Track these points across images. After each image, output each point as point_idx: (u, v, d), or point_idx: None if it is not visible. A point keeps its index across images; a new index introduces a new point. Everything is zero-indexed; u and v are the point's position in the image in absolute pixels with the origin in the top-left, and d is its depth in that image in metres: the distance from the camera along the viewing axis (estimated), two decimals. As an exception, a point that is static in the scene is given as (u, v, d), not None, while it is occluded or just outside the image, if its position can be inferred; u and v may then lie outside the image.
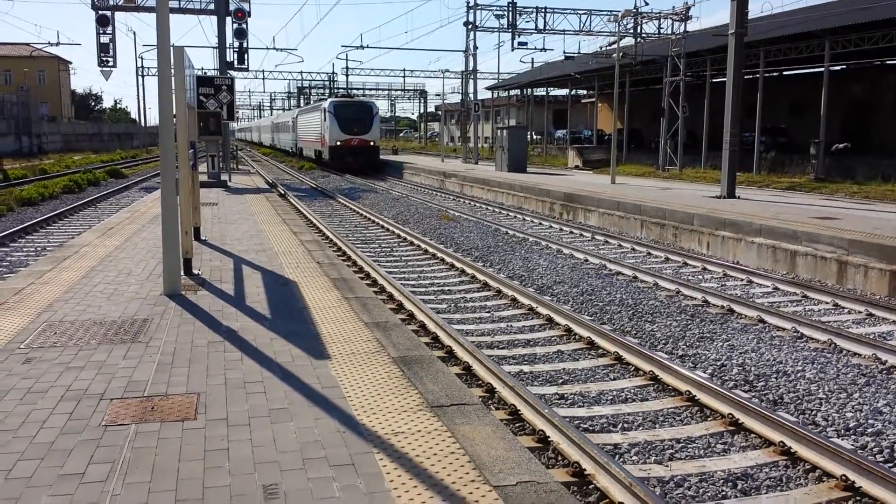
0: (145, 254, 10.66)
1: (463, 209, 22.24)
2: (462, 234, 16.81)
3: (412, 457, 4.03)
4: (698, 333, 8.73)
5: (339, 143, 40.55)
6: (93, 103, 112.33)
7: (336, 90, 75.70)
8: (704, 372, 7.38)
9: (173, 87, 8.30)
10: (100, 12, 30.87)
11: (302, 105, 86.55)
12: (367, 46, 59.65)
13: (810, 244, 12.64)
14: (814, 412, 6.38)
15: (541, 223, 19.76)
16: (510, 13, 34.83)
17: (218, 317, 7.09)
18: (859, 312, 9.94)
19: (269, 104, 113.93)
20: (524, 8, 34.68)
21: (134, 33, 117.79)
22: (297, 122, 55.44)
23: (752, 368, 7.46)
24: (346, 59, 78.49)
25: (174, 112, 8.39)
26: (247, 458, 4.00)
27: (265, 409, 4.72)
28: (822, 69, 29.01)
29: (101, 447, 4.14)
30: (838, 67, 36.78)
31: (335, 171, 41.29)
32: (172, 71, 8.24)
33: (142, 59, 78.47)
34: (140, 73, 68.95)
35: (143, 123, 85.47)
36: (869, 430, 5.94)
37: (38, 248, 14.78)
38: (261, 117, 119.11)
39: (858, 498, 4.92)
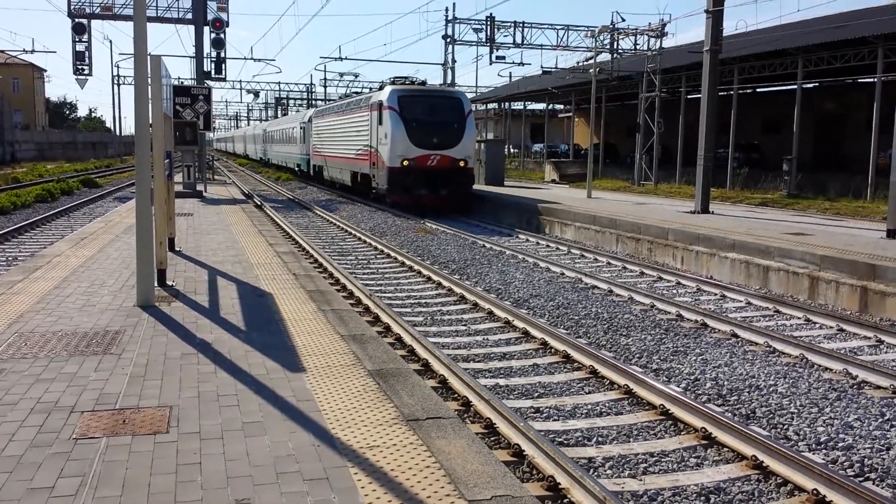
0: (119, 264, 10.56)
1: (440, 221, 22.23)
2: (439, 246, 16.82)
3: (387, 471, 4.02)
4: (672, 347, 8.79)
5: (407, 161, 23.75)
6: (67, 112, 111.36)
7: (314, 101, 75.26)
8: (678, 386, 7.43)
9: (150, 96, 8.25)
10: (76, 20, 30.68)
11: (316, 106, 76.13)
12: (346, 58, 59.84)
13: (783, 260, 12.79)
14: (786, 426, 6.44)
15: (517, 236, 19.82)
16: (488, 27, 35.02)
17: (192, 329, 7.03)
18: (830, 328, 10.06)
19: (245, 114, 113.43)
20: (502, 22, 34.89)
21: (110, 41, 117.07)
22: (314, 128, 37.68)
23: (725, 383, 7.52)
24: (325, 71, 78.39)
25: (150, 121, 8.34)
26: (219, 472, 3.97)
27: (239, 422, 4.69)
28: (794, 86, 29.46)
29: (72, 460, 4.09)
30: (811, 85, 37.37)
31: (400, 209, 24.55)
32: (149, 80, 8.20)
33: (118, 67, 77.93)
34: (116, 81, 68.42)
35: (118, 132, 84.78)
36: (840, 445, 6.01)
37: (10, 258, 14.58)
38: (241, 125, 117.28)
39: (829, 512, 4.95)
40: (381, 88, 26.68)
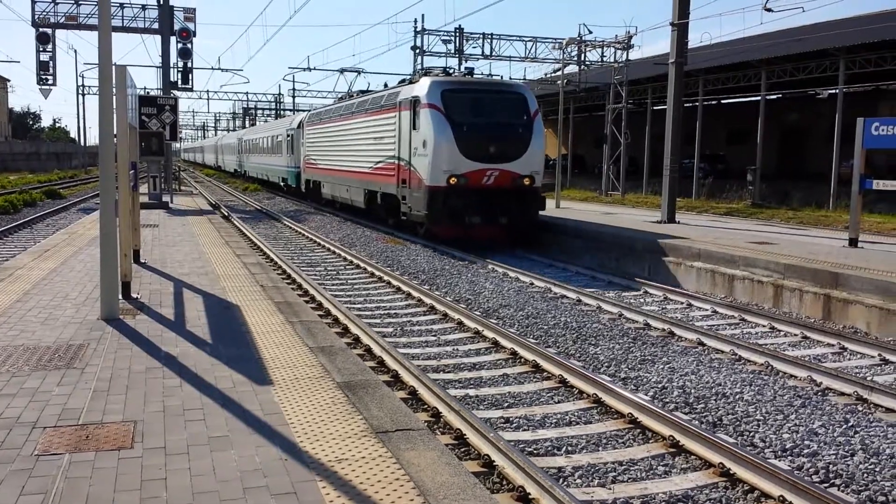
0: (82, 277, 10.40)
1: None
2: (408, 257, 16.79)
3: (356, 484, 3.99)
4: (640, 356, 8.85)
5: (455, 179, 17.83)
6: (31, 122, 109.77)
7: (282, 112, 74.83)
8: (646, 394, 7.48)
9: (115, 107, 8.16)
10: (40, 30, 30.31)
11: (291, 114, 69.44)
12: (314, 68, 59.59)
13: (748, 268, 12.95)
14: (752, 434, 6.51)
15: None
16: (457, 38, 35.14)
17: (157, 342, 6.94)
18: (795, 335, 10.20)
19: (213, 124, 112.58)
20: (471, 34, 35.04)
21: (75, 51, 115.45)
22: (308, 136, 31.39)
23: (693, 391, 7.58)
24: (293, 81, 78.05)
25: (115, 132, 8.24)
26: (185, 488, 3.91)
27: (205, 436, 4.63)
28: (758, 98, 29.95)
29: (34, 477, 4.00)
30: (774, 96, 38.04)
31: (439, 242, 18.66)
32: (114, 90, 8.11)
33: (83, 77, 77.23)
34: (81, 91, 67.59)
35: (82, 143, 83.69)
36: (805, 451, 6.08)
37: (-30, 271, 14.28)
38: (208, 135, 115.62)
39: (795, 518, 5.00)
40: (410, 81, 20.30)
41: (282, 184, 38.59)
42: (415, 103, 18.70)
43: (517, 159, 18.11)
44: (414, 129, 18.65)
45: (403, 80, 22.73)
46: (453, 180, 17.68)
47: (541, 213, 19.13)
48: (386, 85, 25.09)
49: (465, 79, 19.90)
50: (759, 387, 7.70)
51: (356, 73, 36.53)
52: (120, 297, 8.38)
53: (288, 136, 36.18)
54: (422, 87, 18.60)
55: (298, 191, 34.21)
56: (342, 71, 35.13)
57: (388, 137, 20.48)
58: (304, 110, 69.37)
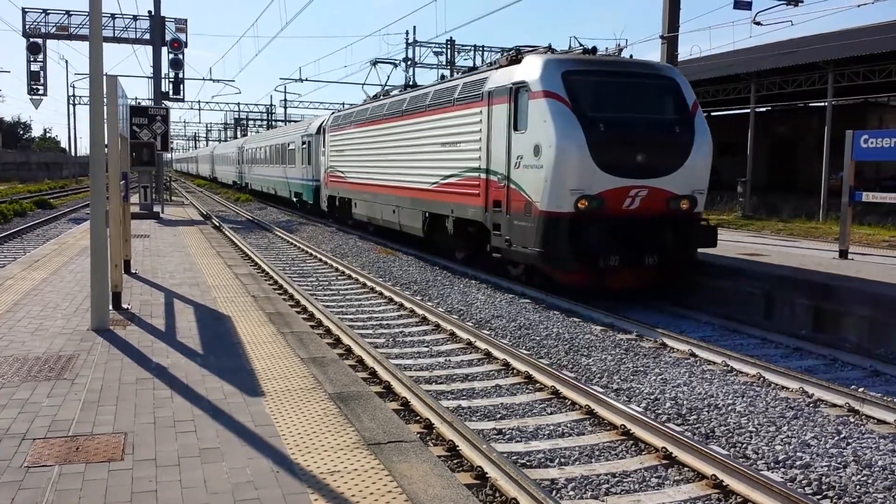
0: (73, 287, 10.35)
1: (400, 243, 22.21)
2: (401, 267, 16.78)
3: (348, 497, 3.97)
4: (632, 367, 8.85)
5: (585, 202, 12.25)
6: (21, 132, 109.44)
7: (273, 123, 74.74)
8: (639, 406, 7.47)
9: (105, 117, 8.14)
10: (31, 40, 30.28)
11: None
12: (306, 79, 59.79)
13: (739, 280, 12.96)
14: (744, 445, 6.51)
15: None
16: (448, 50, 35.32)
17: (147, 353, 6.90)
18: (787, 347, 10.21)
19: (204, 135, 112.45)
20: (462, 45, 35.26)
21: (66, 61, 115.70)
22: (332, 142, 25.79)
23: (685, 402, 7.58)
24: (285, 92, 78.03)
25: (106, 142, 8.22)
26: (176, 500, 3.88)
27: (196, 448, 4.60)
28: (748, 110, 30.12)
29: (23, 489, 3.97)
30: (764, 109, 38.24)
31: (549, 289, 13.42)
32: (105, 100, 8.10)
33: (74, 87, 77.10)
34: (71, 101, 67.57)
35: (73, 153, 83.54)
36: (798, 463, 6.08)
37: (-41, 281, 14.19)
38: (199, 145, 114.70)
39: (788, 530, 5.00)
40: (509, 63, 14.20)
41: (294, 199, 32.92)
42: (517, 92, 13.18)
43: (672, 173, 12.59)
44: (516, 129, 13.19)
45: (492, 64, 16.55)
46: (583, 204, 12.12)
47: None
48: (450, 73, 22.03)
49: (590, 57, 14.02)
50: (751, 398, 7.70)
51: (393, 65, 30.29)
52: (110, 307, 8.35)
53: (303, 143, 30.65)
54: (530, 69, 12.98)
55: (316, 208, 28.74)
56: (375, 63, 26.58)
57: (468, 143, 14.85)
58: (294, 120, 66.71)
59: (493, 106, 14.00)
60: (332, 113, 27.31)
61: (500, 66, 14.58)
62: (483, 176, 14.26)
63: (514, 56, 14.33)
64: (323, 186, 27.41)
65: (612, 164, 12.20)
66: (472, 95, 14.94)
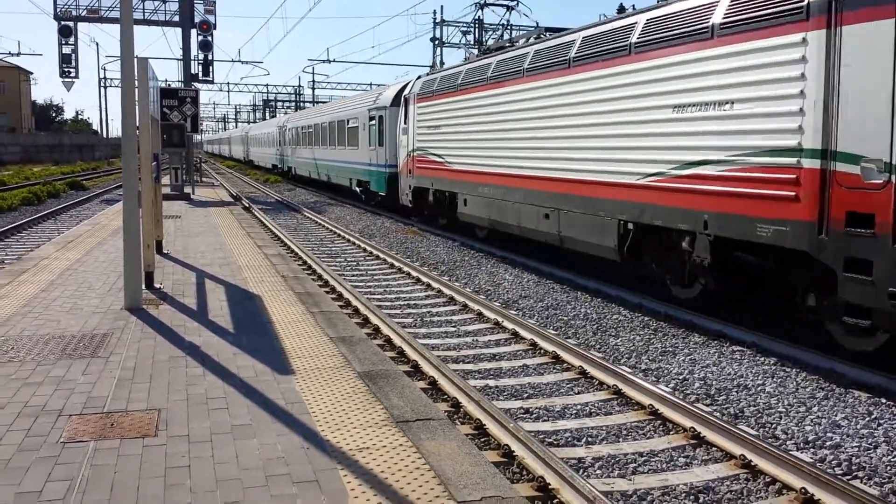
0: (106, 267, 10.51)
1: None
2: (428, 248, 16.82)
3: (377, 473, 4.02)
4: (661, 347, 8.82)
5: None
6: (54, 114, 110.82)
7: (302, 104, 74.82)
8: (667, 386, 7.45)
9: (136, 99, 8.23)
10: (62, 23, 30.59)
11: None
12: (334, 60, 59.54)
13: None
14: (774, 425, 6.47)
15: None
16: (476, 30, 35.10)
17: (180, 331, 7.01)
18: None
19: (233, 116, 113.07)
20: (490, 25, 35.01)
21: (97, 44, 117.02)
22: (427, 116, 19.26)
23: (714, 382, 7.55)
24: (313, 73, 78.30)
25: (137, 124, 8.31)
26: (209, 476, 3.95)
27: (227, 425, 4.67)
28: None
29: (60, 464, 4.06)
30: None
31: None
32: (136, 82, 8.18)
33: (104, 69, 77.95)
34: (103, 84, 68.28)
35: (105, 135, 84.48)
36: (828, 444, 6.04)
37: (-4, 261, 14.48)
38: (228, 127, 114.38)
39: (817, 510, 4.98)
40: None
41: (357, 189, 27.15)
42: None
43: None
44: None
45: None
46: None
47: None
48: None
49: None
50: (781, 379, 7.65)
51: (506, 8, 25.07)
52: (143, 287, 8.48)
53: (371, 119, 24.77)
54: None
55: (391, 202, 23.10)
56: (484, 5, 24.67)
57: (761, 102, 8.64)
58: (322, 101, 64.50)
59: (848, 28, 7.48)
60: (419, 77, 20.90)
61: None
62: (810, 163, 7.88)
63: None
64: (403, 174, 21.33)
65: None
66: (774, 14, 8.42)
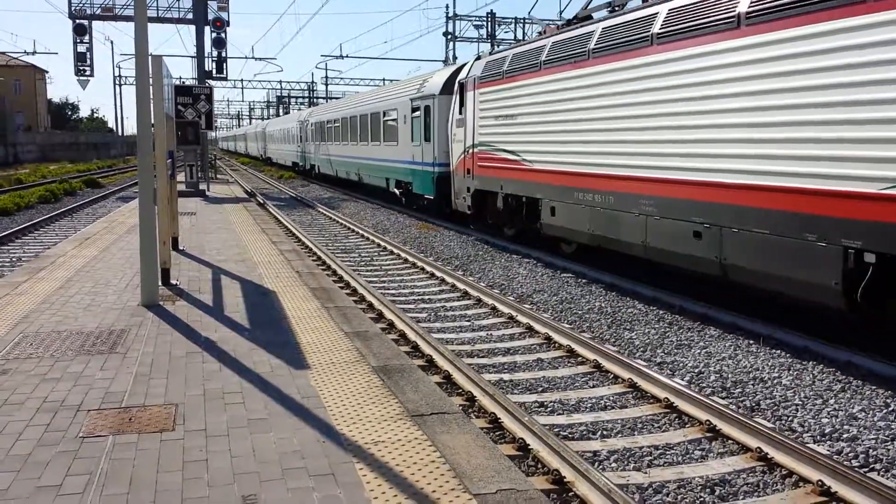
0: (122, 264, 10.59)
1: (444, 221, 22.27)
2: (442, 243, 16.83)
3: (392, 466, 4.04)
4: (676, 341, 8.79)
5: None
6: (69, 112, 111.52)
7: (315, 100, 74.93)
8: (682, 379, 7.44)
9: (151, 97, 8.28)
10: (77, 21, 30.77)
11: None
12: (347, 56, 59.70)
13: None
14: (790, 418, 6.45)
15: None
16: (489, 23, 35.04)
17: (196, 327, 7.05)
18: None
19: (247, 113, 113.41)
20: (503, 18, 34.98)
21: (111, 42, 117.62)
22: (495, 104, 15.54)
23: (730, 375, 7.52)
24: (326, 69, 78.56)
25: (152, 121, 8.36)
26: (226, 469, 3.99)
27: (244, 419, 4.71)
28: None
29: (79, 459, 4.11)
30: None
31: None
32: (150, 80, 8.22)
33: (119, 67, 78.29)
34: (117, 82, 68.68)
35: (120, 133, 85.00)
36: (844, 436, 6.01)
37: (14, 259, 14.62)
38: (242, 124, 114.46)
39: (834, 503, 4.97)
40: None
41: (395, 191, 24.06)
42: None
43: None
44: None
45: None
46: None
47: None
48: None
49: None
50: (797, 371, 7.61)
51: None
52: (160, 283, 8.53)
53: (415, 110, 21.69)
54: None
55: (439, 205, 20.09)
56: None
57: None
58: (336, 97, 63.46)
59: None
60: (478, 57, 18.04)
61: None
62: None
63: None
64: (458, 174, 17.86)
65: None
66: None
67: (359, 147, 28.51)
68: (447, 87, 19.35)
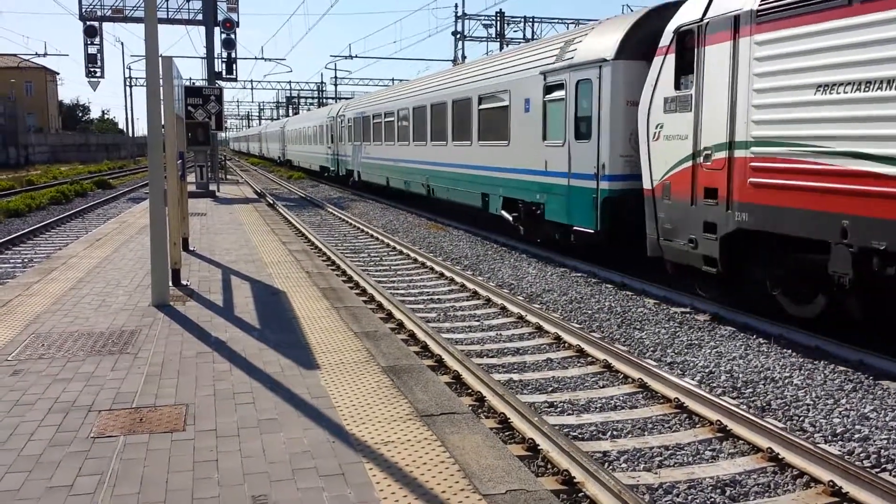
0: (133, 265, 10.63)
1: (454, 219, 22.24)
2: (451, 243, 16.83)
3: (402, 466, 4.04)
4: (686, 340, 8.77)
5: None
6: (80, 114, 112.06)
7: (325, 100, 75.05)
8: (693, 379, 7.41)
9: (161, 98, 8.31)
10: (88, 23, 30.91)
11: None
12: (356, 56, 59.91)
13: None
14: (801, 418, 6.42)
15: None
16: (498, 23, 35.02)
17: (206, 327, 7.08)
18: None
19: (257, 114, 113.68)
20: (512, 17, 34.94)
21: (122, 44, 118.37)
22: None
23: (740, 375, 7.49)
24: (335, 69, 78.64)
25: (162, 122, 8.39)
26: (236, 469, 4.00)
27: (254, 419, 4.72)
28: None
29: (90, 459, 4.13)
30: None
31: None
32: (161, 81, 8.25)
33: (130, 69, 78.62)
34: (128, 83, 68.98)
35: (131, 134, 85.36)
36: (856, 436, 5.98)
37: (25, 260, 14.70)
38: (252, 125, 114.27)
39: (845, 503, 4.95)
40: None
41: (509, 216, 15.89)
42: None
43: None
44: None
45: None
46: None
47: None
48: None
49: None
50: (808, 371, 7.58)
51: None
52: (170, 284, 8.57)
53: (551, 90, 13.75)
54: None
55: (601, 241, 12.47)
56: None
57: None
58: (346, 97, 61.67)
59: None
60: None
61: None
62: None
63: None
64: (676, 198, 10.16)
65: None
66: None
67: (432, 149, 20.64)
68: (628, 48, 11.87)
